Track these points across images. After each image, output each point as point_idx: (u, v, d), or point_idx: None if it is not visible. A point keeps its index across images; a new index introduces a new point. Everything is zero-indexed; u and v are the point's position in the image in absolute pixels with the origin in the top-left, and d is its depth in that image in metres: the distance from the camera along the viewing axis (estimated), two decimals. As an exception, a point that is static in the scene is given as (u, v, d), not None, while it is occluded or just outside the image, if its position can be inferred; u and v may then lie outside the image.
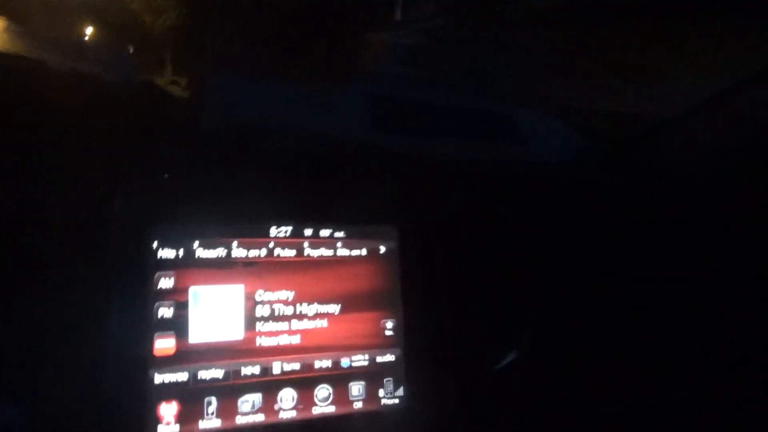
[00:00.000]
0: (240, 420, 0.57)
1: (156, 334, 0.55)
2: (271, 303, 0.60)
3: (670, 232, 0.86)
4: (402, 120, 0.71)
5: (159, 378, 0.55)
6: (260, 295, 0.60)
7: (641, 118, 0.87)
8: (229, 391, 0.57)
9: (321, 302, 0.62)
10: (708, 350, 0.78)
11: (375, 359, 0.63)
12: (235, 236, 0.60)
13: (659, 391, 0.75)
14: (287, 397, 0.59)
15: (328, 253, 0.63)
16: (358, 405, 0.62)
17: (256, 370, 0.58)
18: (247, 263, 0.60)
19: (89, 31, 0.73)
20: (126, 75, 0.71)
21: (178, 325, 0.56)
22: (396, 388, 0.64)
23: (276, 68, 0.69)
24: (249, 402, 0.58)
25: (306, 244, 0.63)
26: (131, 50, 0.71)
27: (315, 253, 0.63)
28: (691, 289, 0.84)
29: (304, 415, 0.60)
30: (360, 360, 0.63)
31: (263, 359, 0.59)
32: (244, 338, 0.58)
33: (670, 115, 0.86)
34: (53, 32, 0.73)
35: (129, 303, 0.54)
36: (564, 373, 0.70)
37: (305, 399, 0.60)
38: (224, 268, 0.59)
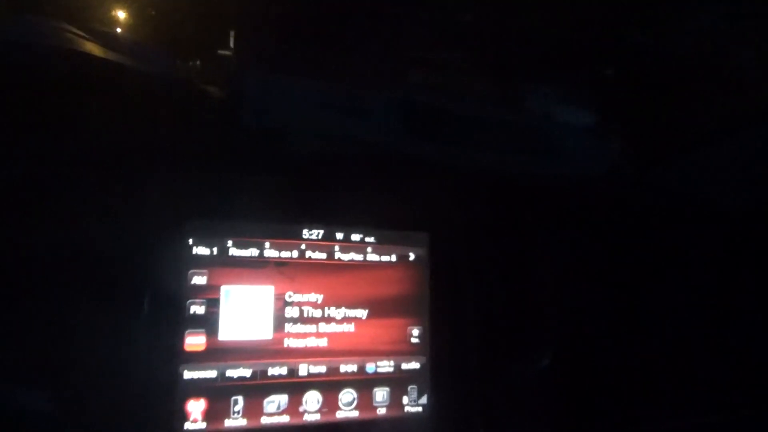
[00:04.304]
0: (265, 420, 0.57)
1: (187, 331, 0.55)
2: (300, 305, 0.60)
3: (698, 250, 0.85)
4: (437, 128, 0.71)
5: (188, 374, 0.55)
6: (290, 296, 0.60)
7: (674, 138, 0.86)
8: (256, 390, 0.57)
9: (349, 306, 0.62)
10: (734, 373, 0.77)
11: (400, 366, 0.63)
12: (267, 237, 0.60)
13: (688, 412, 0.74)
14: (312, 400, 0.59)
15: (359, 257, 0.64)
16: (381, 411, 0.62)
17: (283, 371, 0.58)
18: (279, 264, 0.60)
19: (128, 25, 0.73)
20: (164, 72, 0.72)
21: (208, 323, 0.56)
22: (420, 396, 0.64)
23: (315, 70, 0.69)
24: (275, 403, 0.58)
25: (337, 247, 0.63)
26: (171, 47, 0.71)
27: (345, 256, 0.63)
28: (717, 309, 0.83)
29: (328, 419, 0.60)
30: (385, 366, 0.63)
31: (290, 360, 0.59)
32: (272, 339, 0.59)
33: (702, 137, 0.85)
34: (95, 26, 0.74)
35: (163, 299, 0.55)
36: (588, 386, 0.70)
37: (330, 402, 0.60)
38: (256, 268, 0.59)
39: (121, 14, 0.83)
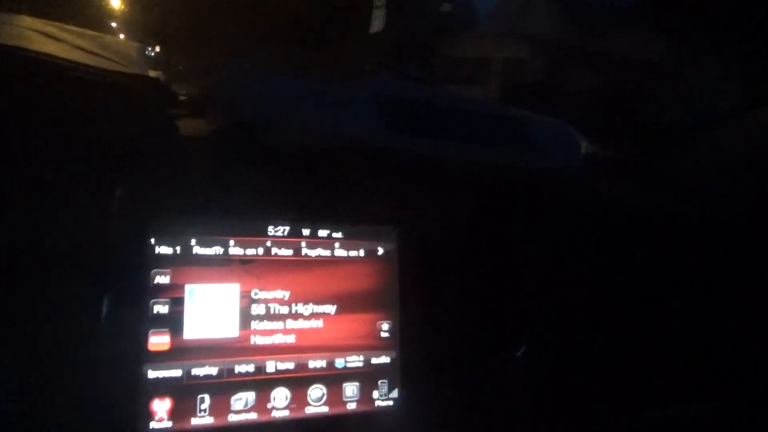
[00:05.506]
0: (232, 418, 0.57)
1: (151, 330, 0.55)
2: (266, 302, 0.60)
3: (678, 241, 0.85)
4: (406, 121, 0.70)
5: (152, 374, 0.55)
6: (256, 293, 0.60)
7: (656, 129, 0.86)
8: (223, 388, 0.57)
9: (317, 302, 0.62)
10: (716, 361, 0.76)
11: (370, 360, 0.63)
12: (232, 234, 0.60)
13: (660, 403, 0.74)
14: (280, 397, 0.59)
15: (326, 253, 0.63)
16: (351, 406, 0.62)
17: (250, 368, 0.58)
18: (244, 261, 0.60)
19: (103, 19, 0.73)
20: (130, 68, 0.71)
21: (173, 322, 0.56)
22: (390, 390, 0.64)
23: (281, 63, 0.69)
24: (242, 400, 0.58)
25: (303, 243, 0.62)
26: (144, 41, 0.71)
27: (312, 252, 0.63)
28: (697, 297, 0.82)
29: (297, 415, 0.60)
30: (355, 361, 0.63)
31: (257, 358, 0.59)
32: (238, 336, 0.59)
33: (685, 128, 0.84)
34: (66, 23, 0.73)
35: (125, 298, 0.55)
36: (561, 380, 0.70)
37: (298, 398, 0.60)
38: (220, 266, 0.59)
39: (98, 9, 0.83)
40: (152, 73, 0.75)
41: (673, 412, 0.74)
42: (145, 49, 0.78)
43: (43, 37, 0.70)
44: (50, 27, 0.72)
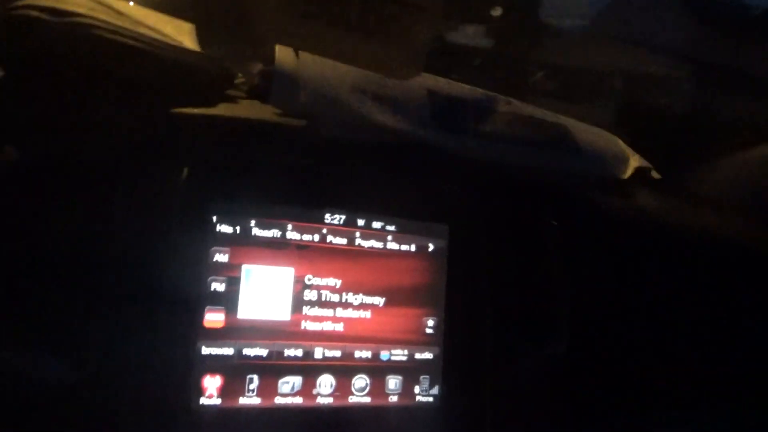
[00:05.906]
0: (279, 400, 0.58)
1: (207, 307, 0.56)
2: (318, 288, 0.60)
3: (711, 258, 0.85)
4: (463, 121, 0.71)
5: (206, 350, 0.55)
6: (309, 279, 0.60)
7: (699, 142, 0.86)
8: (271, 370, 0.58)
9: (366, 293, 0.62)
10: (752, 378, 0.77)
11: (413, 355, 0.64)
12: (290, 219, 0.60)
13: (697, 414, 0.74)
14: (326, 384, 0.60)
15: (378, 245, 0.64)
16: (393, 399, 0.62)
17: (298, 352, 0.59)
18: (300, 246, 0.60)
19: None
20: (192, 52, 0.71)
21: (228, 301, 0.57)
22: (432, 386, 0.64)
23: (344, 55, 0.69)
24: (289, 384, 0.58)
25: (357, 233, 0.63)
26: (202, 26, 0.71)
27: (365, 243, 0.63)
28: (732, 314, 0.82)
29: (341, 403, 0.60)
30: (399, 355, 0.63)
31: (306, 343, 0.59)
32: (290, 320, 0.59)
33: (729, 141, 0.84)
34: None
35: (184, 275, 0.55)
36: (602, 380, 0.70)
37: (343, 387, 0.60)
38: (277, 249, 0.59)
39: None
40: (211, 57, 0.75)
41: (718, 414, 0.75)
42: (203, 33, 0.78)
43: (108, 9, 0.70)
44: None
